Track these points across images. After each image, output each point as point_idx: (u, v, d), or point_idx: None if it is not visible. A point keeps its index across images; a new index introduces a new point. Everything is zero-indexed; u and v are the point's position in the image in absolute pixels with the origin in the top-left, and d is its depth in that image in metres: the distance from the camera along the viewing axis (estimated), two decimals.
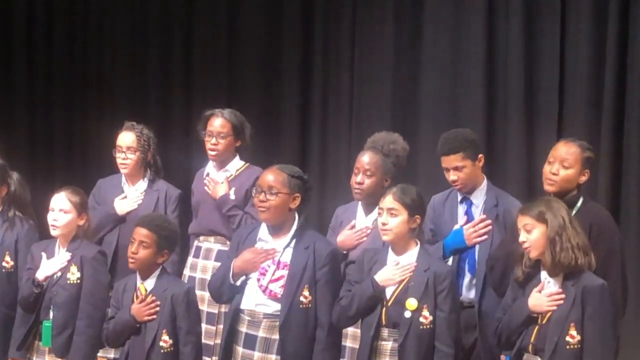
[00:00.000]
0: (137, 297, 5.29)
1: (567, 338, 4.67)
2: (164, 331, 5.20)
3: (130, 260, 5.27)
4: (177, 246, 5.71)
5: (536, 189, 6.25)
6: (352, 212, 5.76)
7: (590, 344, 4.65)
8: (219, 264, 6.07)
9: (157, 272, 5.32)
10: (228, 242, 6.15)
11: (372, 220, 5.62)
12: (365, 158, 5.66)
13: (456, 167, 5.49)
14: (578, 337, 4.67)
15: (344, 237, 5.65)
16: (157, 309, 5.22)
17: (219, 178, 6.31)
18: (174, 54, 8.45)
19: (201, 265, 6.32)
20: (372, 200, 5.60)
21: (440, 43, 7.42)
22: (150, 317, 5.23)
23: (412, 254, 5.06)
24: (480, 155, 5.56)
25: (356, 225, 5.68)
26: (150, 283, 5.30)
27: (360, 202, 5.71)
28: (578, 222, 4.83)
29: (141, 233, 5.26)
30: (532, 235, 4.79)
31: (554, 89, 7.04)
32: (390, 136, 5.78)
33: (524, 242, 4.81)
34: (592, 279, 4.72)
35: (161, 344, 5.19)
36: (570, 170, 5.18)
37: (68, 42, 8.79)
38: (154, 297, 5.24)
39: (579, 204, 5.16)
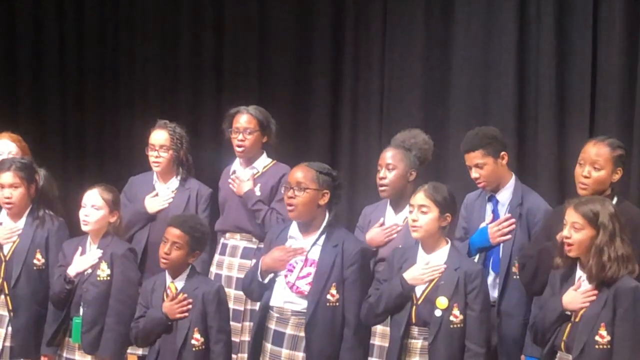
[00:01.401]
0: (167, 295, 5.32)
1: (597, 338, 4.63)
2: (195, 329, 5.23)
3: (163, 260, 5.30)
4: (207, 246, 5.73)
5: (568, 188, 6.21)
6: (380, 211, 5.75)
7: (620, 345, 4.60)
8: (245, 261, 6.15)
9: (187, 271, 5.35)
10: (254, 239, 6.21)
11: (402, 219, 5.61)
12: (387, 153, 5.68)
13: (477, 164, 5.48)
14: (608, 338, 4.62)
15: (372, 234, 5.64)
16: (190, 306, 5.24)
17: (244, 175, 6.32)
18: (204, 51, 8.45)
19: (227, 263, 6.33)
20: (399, 198, 5.60)
21: (471, 40, 7.38)
22: (182, 315, 5.25)
23: (442, 253, 5.04)
24: (503, 153, 5.52)
25: (385, 223, 5.67)
26: (180, 282, 5.33)
27: (389, 201, 5.71)
28: (626, 227, 4.74)
29: (174, 234, 5.28)
30: (578, 235, 4.71)
31: (585, 88, 6.97)
32: (410, 132, 5.80)
33: (567, 238, 4.73)
34: (626, 281, 4.66)
35: (193, 342, 5.22)
36: (602, 171, 5.12)
37: (99, 40, 8.82)
38: (185, 295, 5.26)
39: (613, 203, 5.08)
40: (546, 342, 4.84)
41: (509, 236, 5.43)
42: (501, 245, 5.47)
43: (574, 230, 4.72)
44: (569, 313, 4.77)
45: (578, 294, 4.74)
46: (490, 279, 5.50)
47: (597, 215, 4.68)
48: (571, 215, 4.75)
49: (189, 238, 5.28)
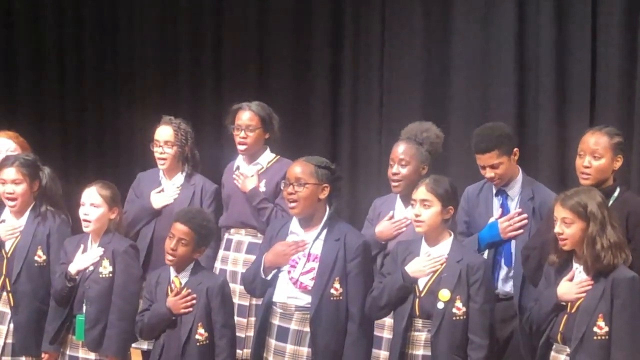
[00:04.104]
0: (171, 290, 5.31)
1: (595, 329, 4.64)
2: (199, 324, 5.22)
3: (169, 257, 5.28)
4: (213, 241, 5.74)
5: (569, 180, 6.21)
6: (390, 204, 5.74)
7: (619, 336, 4.61)
8: (249, 256, 6.12)
9: (191, 266, 5.34)
10: (259, 235, 6.18)
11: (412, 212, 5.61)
12: (399, 148, 5.64)
13: (492, 165, 5.44)
14: (606, 329, 4.63)
15: (381, 227, 5.64)
16: (194, 302, 5.24)
17: (249, 171, 6.31)
18: (204, 46, 8.46)
19: (232, 258, 6.32)
20: (410, 191, 5.59)
21: (471, 33, 7.37)
22: (186, 310, 5.24)
23: (445, 245, 5.04)
24: (515, 149, 5.50)
25: (395, 217, 5.66)
26: (184, 276, 5.32)
27: (398, 194, 5.69)
28: (615, 214, 4.76)
29: (181, 230, 5.27)
30: (570, 229, 4.73)
31: (585, 79, 6.97)
32: (422, 125, 5.74)
33: (560, 234, 4.75)
34: (623, 271, 4.68)
35: (197, 337, 5.21)
36: (602, 160, 5.13)
37: (99, 38, 8.82)
38: (189, 290, 5.26)
39: (615, 193, 5.10)
40: (541, 333, 4.85)
41: (520, 231, 5.41)
42: (514, 240, 5.44)
43: (565, 226, 4.74)
44: (563, 304, 4.77)
45: (573, 285, 4.75)
46: (502, 273, 5.50)
47: (585, 206, 4.70)
48: (559, 211, 4.76)
49: (195, 235, 5.27)
